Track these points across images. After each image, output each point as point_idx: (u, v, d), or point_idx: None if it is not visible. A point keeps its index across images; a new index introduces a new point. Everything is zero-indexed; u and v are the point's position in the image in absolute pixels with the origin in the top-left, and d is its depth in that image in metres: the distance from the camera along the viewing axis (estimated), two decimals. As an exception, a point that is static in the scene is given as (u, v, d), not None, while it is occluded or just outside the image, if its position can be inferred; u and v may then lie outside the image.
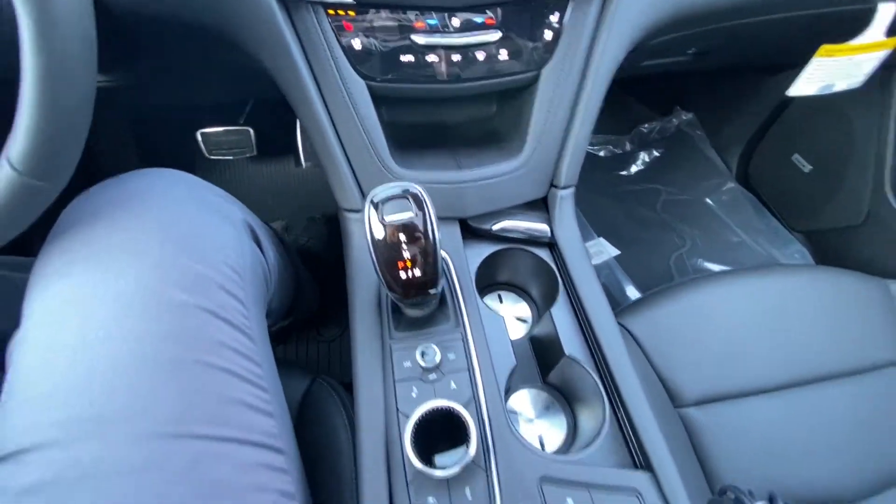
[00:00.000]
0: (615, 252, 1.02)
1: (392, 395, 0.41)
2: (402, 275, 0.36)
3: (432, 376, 0.41)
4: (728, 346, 0.63)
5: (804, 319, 0.66)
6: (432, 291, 0.39)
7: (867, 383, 0.64)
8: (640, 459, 0.40)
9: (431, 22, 0.43)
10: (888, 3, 0.57)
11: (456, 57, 0.45)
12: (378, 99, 0.48)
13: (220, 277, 0.37)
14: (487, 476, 0.37)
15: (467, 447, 0.35)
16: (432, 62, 0.45)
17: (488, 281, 0.57)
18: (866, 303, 0.69)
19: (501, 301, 0.58)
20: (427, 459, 0.35)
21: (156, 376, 0.31)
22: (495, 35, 0.45)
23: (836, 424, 0.61)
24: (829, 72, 0.64)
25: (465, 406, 0.37)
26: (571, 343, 0.47)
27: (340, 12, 0.42)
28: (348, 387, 0.48)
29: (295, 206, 1.13)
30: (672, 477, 0.39)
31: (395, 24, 0.43)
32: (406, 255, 0.36)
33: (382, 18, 0.43)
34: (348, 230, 0.50)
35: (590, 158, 1.27)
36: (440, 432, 0.37)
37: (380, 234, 0.35)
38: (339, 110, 0.46)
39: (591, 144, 1.29)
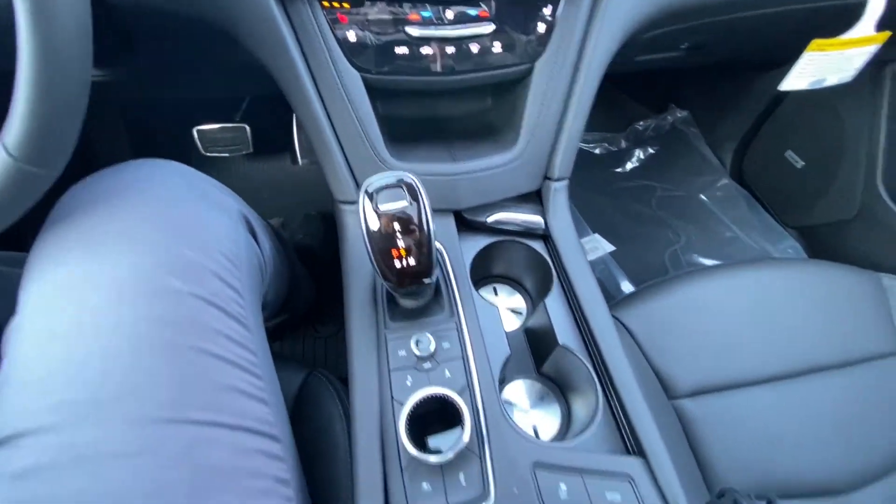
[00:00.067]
0: (610, 248, 1.03)
1: (387, 384, 0.41)
2: (397, 264, 0.37)
3: (427, 365, 0.42)
4: (721, 339, 0.63)
5: (797, 312, 0.67)
6: (426, 281, 0.39)
7: (858, 375, 0.64)
8: (632, 445, 0.41)
9: (425, 14, 0.43)
10: (877, -3, 0.57)
11: (450, 49, 0.46)
12: (373, 91, 0.48)
13: (215, 266, 0.37)
14: (481, 462, 0.38)
15: (462, 430, 0.35)
16: (426, 54, 0.45)
17: (483, 274, 0.58)
18: (858, 295, 0.70)
19: (496, 294, 0.58)
20: (421, 445, 0.35)
21: (150, 362, 0.31)
22: (489, 27, 0.45)
23: (827, 416, 0.61)
24: (821, 66, 0.64)
25: (460, 394, 0.37)
26: (565, 333, 0.47)
27: (335, 4, 0.42)
28: (344, 381, 0.48)
29: (291, 203, 1.13)
30: (664, 462, 0.39)
31: (390, 16, 0.43)
32: (400, 243, 0.36)
33: (377, 11, 0.43)
34: (343, 222, 0.51)
35: (585, 156, 1.28)
36: (434, 421, 0.37)
37: (374, 223, 0.35)
38: (335, 102, 0.46)
39: (587, 142, 1.30)
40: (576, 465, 0.38)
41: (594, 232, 1.07)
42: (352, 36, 0.44)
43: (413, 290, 0.41)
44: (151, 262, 0.34)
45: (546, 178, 0.55)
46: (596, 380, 0.44)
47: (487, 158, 0.51)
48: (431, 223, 0.36)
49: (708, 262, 1.05)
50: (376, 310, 0.46)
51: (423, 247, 0.36)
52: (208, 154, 1.00)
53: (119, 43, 0.51)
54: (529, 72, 0.49)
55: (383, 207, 0.35)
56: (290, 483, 0.36)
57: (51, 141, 0.28)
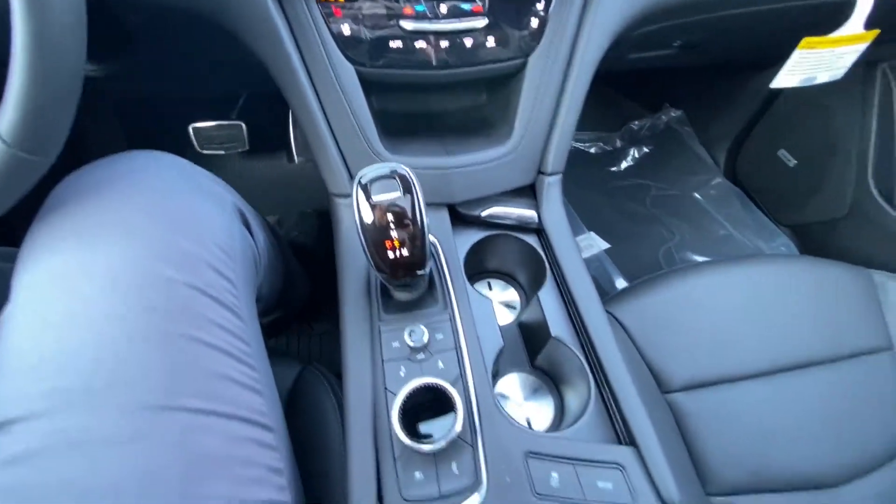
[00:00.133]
0: (605, 245, 1.03)
1: (380, 375, 0.42)
2: (391, 255, 0.37)
3: (420, 356, 0.42)
4: (714, 334, 0.64)
5: (789, 307, 0.67)
6: (420, 272, 0.40)
7: (849, 370, 0.65)
8: (624, 435, 0.41)
9: (419, 8, 0.44)
10: (866, -5, 0.58)
11: (444, 43, 0.46)
12: (368, 85, 0.48)
13: (209, 256, 0.37)
14: (473, 451, 0.38)
15: (455, 417, 0.35)
16: (420, 48, 0.46)
17: (478, 268, 0.58)
18: (848, 291, 0.71)
19: (490, 288, 0.59)
20: (414, 435, 0.35)
21: (143, 349, 0.31)
22: (482, 22, 0.45)
23: (818, 410, 0.62)
24: (811, 64, 0.65)
25: (453, 384, 0.37)
26: (558, 325, 0.48)
27: (330, -2, 0.43)
28: (339, 376, 0.48)
29: (287, 201, 1.13)
30: (655, 452, 0.39)
31: (384, 10, 0.44)
32: (394, 234, 0.36)
33: (371, 5, 0.43)
34: (338, 215, 0.51)
35: (580, 155, 1.29)
36: (427, 413, 0.37)
37: (368, 213, 0.35)
38: (329, 95, 0.47)
39: (582, 141, 1.30)
40: (568, 454, 0.39)
41: (589, 230, 1.08)
42: (346, 29, 0.44)
43: (407, 282, 0.41)
44: (145, 251, 0.34)
45: (540, 172, 0.55)
46: (588, 371, 0.45)
47: (481, 152, 0.52)
48: (425, 214, 0.36)
49: (701, 259, 1.06)
50: (370, 302, 0.46)
51: (416, 238, 0.37)
52: (204, 152, 1.00)
53: (115, 37, 0.51)
54: (523, 66, 0.50)
55: (377, 198, 0.35)
56: (283, 472, 0.36)
57: (44, 128, 0.28)
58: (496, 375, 0.49)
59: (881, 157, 0.89)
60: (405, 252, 0.37)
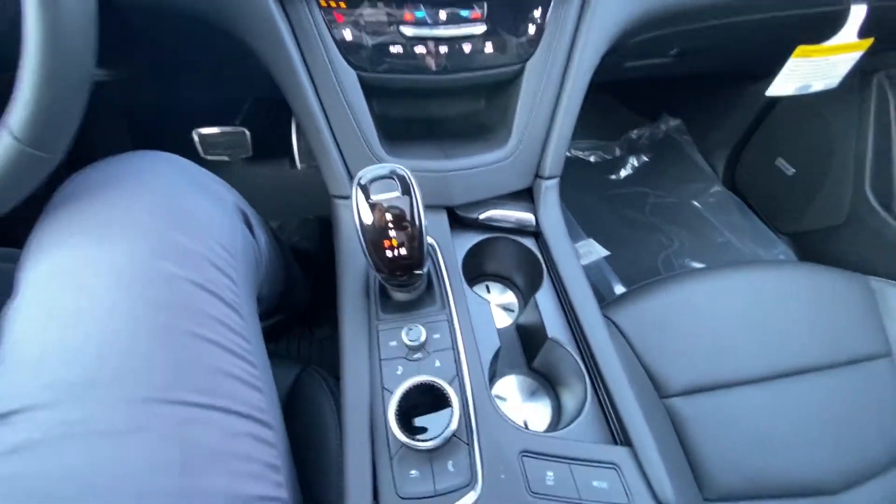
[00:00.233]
0: (604, 252, 1.04)
1: (378, 374, 0.42)
2: (389, 254, 0.38)
3: (417, 355, 0.42)
4: (712, 339, 0.64)
5: (787, 313, 0.68)
6: (418, 272, 0.40)
7: (848, 376, 0.65)
8: (619, 436, 0.41)
9: (419, 14, 0.45)
10: (860, 4, 0.59)
11: (443, 49, 0.47)
12: (369, 90, 0.49)
13: (210, 254, 0.38)
14: (469, 449, 0.38)
15: (451, 412, 0.35)
16: (420, 54, 0.47)
17: (476, 272, 0.58)
18: (847, 298, 0.71)
19: (489, 291, 0.59)
20: (411, 433, 0.36)
21: (145, 343, 0.32)
22: (481, 28, 0.46)
23: (817, 416, 0.61)
24: (806, 72, 0.66)
25: (449, 383, 0.38)
26: (555, 326, 0.48)
27: (332, 4, 0.44)
28: (338, 379, 0.48)
29: (289, 207, 1.14)
30: (651, 452, 0.40)
31: (385, 16, 0.45)
32: (392, 233, 0.37)
33: (372, 11, 0.45)
34: (338, 216, 0.52)
35: (579, 163, 1.30)
36: (424, 411, 0.38)
37: (367, 213, 0.36)
38: (331, 99, 0.48)
39: (582, 149, 1.32)
40: (563, 453, 0.39)
41: (588, 237, 1.08)
42: (348, 35, 0.45)
43: (405, 282, 0.42)
44: (149, 247, 0.34)
45: (537, 176, 0.56)
46: (584, 371, 0.45)
47: (480, 156, 0.53)
48: (423, 214, 0.37)
49: (700, 266, 1.06)
50: (369, 302, 0.46)
51: (414, 238, 0.37)
52: (208, 157, 1.01)
53: (121, 43, 0.52)
54: (520, 72, 0.51)
55: (375, 198, 0.36)
56: (280, 469, 0.37)
57: (53, 126, 0.29)
58: (493, 377, 0.49)
59: (878, 165, 0.89)
60: (403, 252, 0.38)
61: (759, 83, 1.08)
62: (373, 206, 0.36)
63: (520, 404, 0.49)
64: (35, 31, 0.26)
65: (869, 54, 0.66)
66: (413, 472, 0.37)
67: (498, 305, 0.57)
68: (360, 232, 0.37)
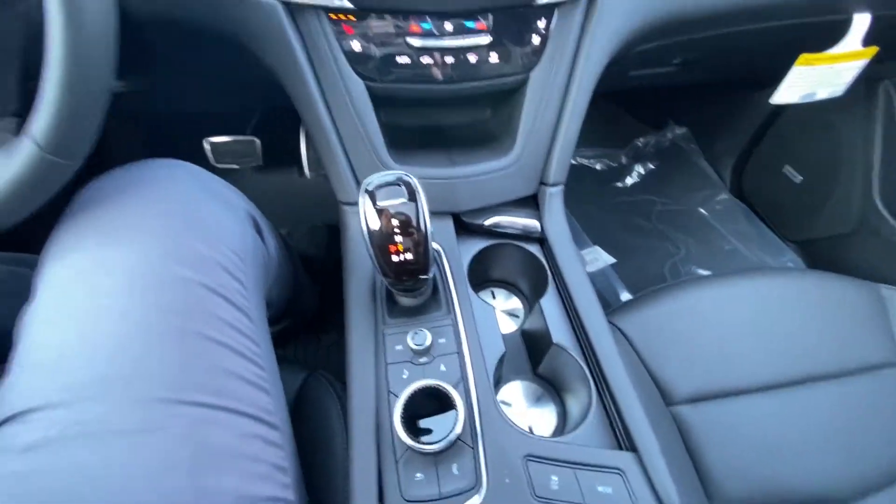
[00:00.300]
0: (611, 260, 1.04)
1: (383, 378, 0.42)
2: (395, 259, 0.38)
3: (423, 359, 0.43)
4: (720, 346, 0.64)
5: (795, 321, 0.67)
6: (423, 277, 0.41)
7: (858, 385, 0.64)
8: (624, 441, 0.41)
9: (426, 26, 0.46)
10: (863, 13, 0.60)
11: (449, 59, 0.48)
12: (377, 99, 0.50)
13: (222, 258, 0.39)
14: (474, 453, 0.38)
15: (455, 414, 0.36)
16: (427, 64, 0.48)
17: (482, 278, 0.59)
18: (856, 305, 0.70)
19: (494, 297, 0.60)
20: (416, 435, 0.36)
21: (158, 345, 0.33)
22: (486, 39, 0.47)
23: (827, 425, 0.61)
24: (810, 80, 0.66)
25: (454, 387, 0.38)
26: (560, 332, 0.48)
27: (342, 17, 0.45)
28: (345, 383, 0.49)
29: (298, 214, 1.16)
30: (656, 458, 0.39)
31: (392, 27, 0.46)
32: (398, 239, 0.38)
33: (380, 23, 0.46)
34: (346, 223, 0.53)
35: (586, 171, 1.30)
36: (430, 415, 0.38)
37: (374, 219, 0.37)
38: (340, 108, 0.49)
39: (587, 157, 1.32)
40: (568, 458, 0.39)
41: (594, 244, 1.08)
42: (357, 46, 0.46)
43: (411, 287, 0.42)
44: (162, 251, 0.36)
45: (542, 183, 0.57)
46: (589, 377, 0.45)
47: (485, 163, 0.53)
48: (428, 220, 0.37)
49: (707, 273, 1.06)
50: (375, 307, 0.47)
51: (419, 243, 0.38)
52: (219, 165, 1.03)
53: (138, 55, 0.54)
54: (525, 81, 0.52)
55: (382, 204, 0.37)
56: (287, 471, 0.37)
57: (73, 134, 0.31)
58: (499, 383, 0.50)
59: (887, 173, 0.89)
60: (409, 257, 0.38)
61: (764, 91, 1.08)
62: (380, 212, 0.37)
63: (525, 410, 0.49)
64: (58, 43, 0.28)
65: (875, 62, 0.67)
66: (418, 475, 0.37)
67: (503, 311, 0.57)
68: (367, 237, 0.37)
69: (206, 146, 0.99)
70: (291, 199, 1.21)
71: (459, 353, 0.43)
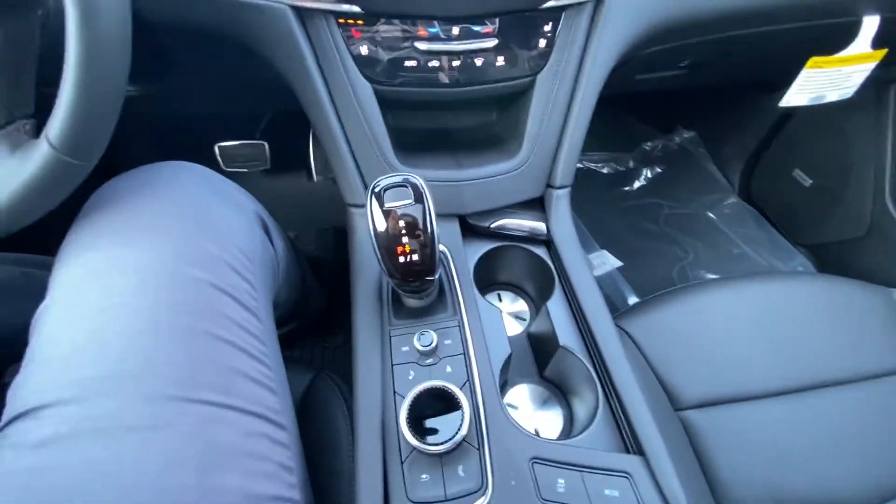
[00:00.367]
0: (618, 263, 1.03)
1: (390, 379, 0.42)
2: (402, 260, 0.38)
3: (429, 360, 0.43)
4: (728, 350, 0.63)
5: (806, 325, 0.66)
6: (429, 278, 0.41)
7: (870, 391, 0.63)
8: (632, 445, 0.41)
9: (433, 30, 0.46)
10: (872, 16, 0.59)
11: (456, 63, 0.49)
12: (385, 102, 0.51)
13: (231, 259, 0.39)
14: (480, 455, 0.38)
15: (461, 414, 0.36)
16: (434, 67, 0.48)
17: (488, 280, 0.59)
18: (868, 310, 0.69)
19: (500, 300, 0.60)
20: (421, 433, 0.36)
21: (168, 343, 0.33)
22: (492, 42, 0.48)
23: (839, 431, 0.60)
24: (819, 83, 0.66)
25: (460, 388, 0.38)
26: (566, 334, 0.48)
27: (350, 21, 0.46)
28: (351, 385, 0.49)
29: (306, 218, 1.17)
30: (664, 461, 0.39)
31: (400, 32, 0.46)
32: (405, 240, 0.38)
33: (388, 27, 0.46)
34: (353, 224, 0.53)
35: (593, 174, 1.30)
36: (436, 416, 0.38)
37: (381, 220, 0.37)
38: (347, 112, 0.50)
39: (595, 161, 1.32)
40: (574, 461, 0.39)
41: (602, 248, 1.08)
42: (365, 50, 0.47)
43: (417, 288, 0.43)
44: (173, 251, 0.36)
45: (548, 185, 0.57)
46: (596, 380, 0.45)
47: (492, 166, 0.54)
48: (435, 221, 0.38)
49: (716, 277, 1.05)
50: (382, 308, 0.47)
51: (426, 245, 0.38)
52: (228, 169, 1.05)
53: (153, 60, 0.55)
54: (531, 84, 0.52)
55: (389, 206, 0.37)
56: (293, 471, 0.37)
57: (88, 135, 0.31)
58: (505, 385, 0.49)
59: (898, 176, 0.88)
60: (416, 258, 0.39)
61: (772, 94, 1.07)
62: (386, 214, 0.37)
63: (531, 413, 0.49)
64: (76, 47, 0.28)
65: (885, 65, 0.66)
66: (424, 476, 0.37)
67: (509, 314, 0.57)
68: (373, 238, 0.38)
69: (216, 151, 1.00)
70: (299, 202, 1.22)
71: (465, 354, 0.43)
